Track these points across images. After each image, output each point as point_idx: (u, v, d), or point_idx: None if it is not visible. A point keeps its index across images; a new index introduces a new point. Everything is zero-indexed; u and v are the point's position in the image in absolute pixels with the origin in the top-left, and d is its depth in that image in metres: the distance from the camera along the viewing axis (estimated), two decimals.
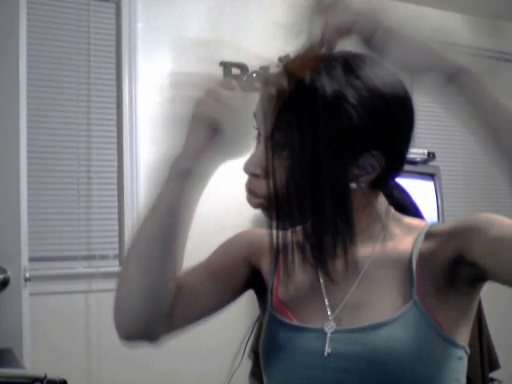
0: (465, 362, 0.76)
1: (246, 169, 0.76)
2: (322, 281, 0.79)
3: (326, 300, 0.78)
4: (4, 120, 1.55)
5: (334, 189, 0.71)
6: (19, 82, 1.55)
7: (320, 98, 0.70)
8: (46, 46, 2.55)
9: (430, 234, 0.77)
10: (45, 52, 2.54)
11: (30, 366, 1.52)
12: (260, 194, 0.75)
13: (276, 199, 0.73)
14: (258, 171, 0.75)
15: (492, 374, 2.53)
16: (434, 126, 3.28)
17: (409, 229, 0.79)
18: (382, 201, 0.80)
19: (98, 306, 2.50)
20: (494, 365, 2.48)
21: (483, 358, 2.34)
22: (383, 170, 0.74)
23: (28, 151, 1.68)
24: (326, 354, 0.73)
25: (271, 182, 0.73)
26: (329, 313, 0.76)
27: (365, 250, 0.77)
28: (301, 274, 0.81)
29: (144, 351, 2.86)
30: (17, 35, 1.55)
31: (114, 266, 2.60)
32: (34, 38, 2.49)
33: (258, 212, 0.80)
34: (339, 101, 0.70)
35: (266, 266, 0.87)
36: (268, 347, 0.80)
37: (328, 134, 0.70)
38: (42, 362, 2.25)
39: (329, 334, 0.74)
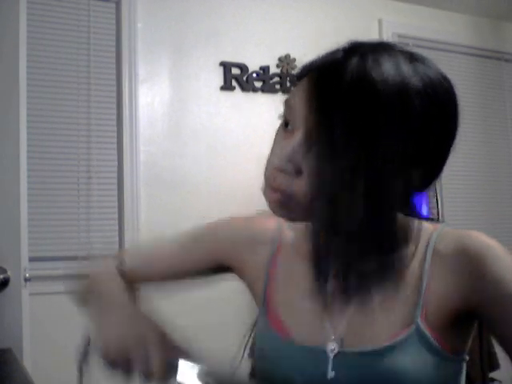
0: (464, 368, 0.74)
1: (273, 162, 0.70)
2: (322, 294, 0.74)
3: (327, 316, 0.73)
4: (4, 120, 1.55)
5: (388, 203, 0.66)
6: (19, 82, 1.55)
7: (383, 91, 0.62)
8: (46, 45, 2.55)
9: (438, 252, 0.71)
10: (45, 52, 2.55)
11: (30, 366, 1.52)
12: (284, 191, 0.68)
13: (311, 200, 0.67)
14: (287, 166, 0.68)
15: (492, 374, 2.52)
16: None
17: (417, 236, 0.74)
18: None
19: None
20: (494, 365, 2.48)
21: (483, 358, 2.34)
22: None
23: (28, 151, 1.67)
24: (328, 377, 0.70)
25: (305, 181, 0.67)
26: (331, 332, 0.72)
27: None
28: (297, 288, 0.77)
29: None
30: (17, 35, 1.55)
31: None
32: (34, 38, 2.49)
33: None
34: (407, 98, 0.63)
35: (252, 264, 0.84)
36: (264, 361, 0.77)
37: (391, 138, 0.63)
38: (42, 362, 2.25)
39: (331, 357, 0.70)
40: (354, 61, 0.64)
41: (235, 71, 2.91)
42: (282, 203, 0.69)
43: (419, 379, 0.67)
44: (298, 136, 0.68)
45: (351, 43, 0.69)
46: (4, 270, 1.48)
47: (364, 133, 0.63)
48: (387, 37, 3.30)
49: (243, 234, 0.86)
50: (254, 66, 2.94)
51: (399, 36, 3.36)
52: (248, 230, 0.87)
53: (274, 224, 0.85)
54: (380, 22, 3.32)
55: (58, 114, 2.55)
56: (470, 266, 0.68)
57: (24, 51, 1.59)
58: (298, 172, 0.67)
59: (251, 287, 0.85)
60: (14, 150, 1.55)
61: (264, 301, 0.80)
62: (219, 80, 2.88)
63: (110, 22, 2.70)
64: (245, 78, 2.92)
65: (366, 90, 0.63)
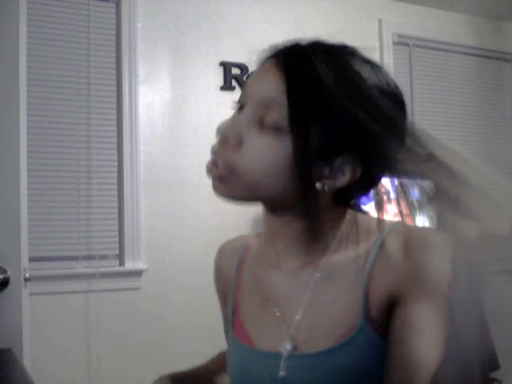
0: None
1: (220, 130, 0.72)
2: (276, 298, 0.76)
3: (281, 319, 0.75)
4: (4, 120, 1.55)
5: (301, 182, 0.69)
6: (19, 82, 1.55)
7: (315, 87, 0.66)
8: (46, 45, 2.56)
9: (384, 250, 0.71)
10: (45, 52, 2.55)
11: (30, 366, 1.52)
12: (224, 161, 0.71)
13: (250, 176, 0.69)
14: (230, 138, 0.70)
15: (492, 374, 2.53)
16: (433, 126, 3.28)
17: (367, 234, 0.74)
18: (344, 217, 0.75)
19: (98, 306, 2.50)
20: (494, 365, 2.48)
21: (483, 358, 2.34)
22: (355, 182, 0.70)
23: (28, 151, 1.67)
24: (280, 377, 0.71)
25: (245, 155, 0.69)
26: (285, 335, 0.73)
27: (316, 263, 0.74)
28: (257, 295, 0.79)
29: (143, 352, 2.86)
30: (17, 35, 1.55)
31: (113, 266, 2.61)
32: (34, 38, 2.49)
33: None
34: (368, 100, 0.67)
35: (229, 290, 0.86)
36: (231, 369, 0.80)
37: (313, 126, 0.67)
38: (42, 362, 2.26)
39: (283, 359, 0.72)
40: (321, 55, 0.68)
41: (235, 71, 2.91)
42: (222, 177, 0.71)
43: (366, 376, 0.68)
44: (246, 110, 0.71)
45: (312, 40, 0.72)
46: (4, 270, 1.48)
47: (317, 120, 0.66)
48: (387, 37, 3.30)
49: (221, 265, 0.89)
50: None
51: (399, 36, 3.36)
52: (224, 256, 0.90)
53: (247, 236, 0.88)
54: (380, 22, 3.32)
55: (58, 113, 2.56)
56: (407, 262, 0.69)
57: (24, 51, 1.59)
58: (240, 144, 0.70)
59: (224, 304, 0.87)
60: (14, 150, 1.55)
61: (233, 310, 0.83)
62: (219, 80, 2.88)
63: (110, 22, 2.70)
64: (245, 78, 2.92)
65: (327, 84, 0.66)
